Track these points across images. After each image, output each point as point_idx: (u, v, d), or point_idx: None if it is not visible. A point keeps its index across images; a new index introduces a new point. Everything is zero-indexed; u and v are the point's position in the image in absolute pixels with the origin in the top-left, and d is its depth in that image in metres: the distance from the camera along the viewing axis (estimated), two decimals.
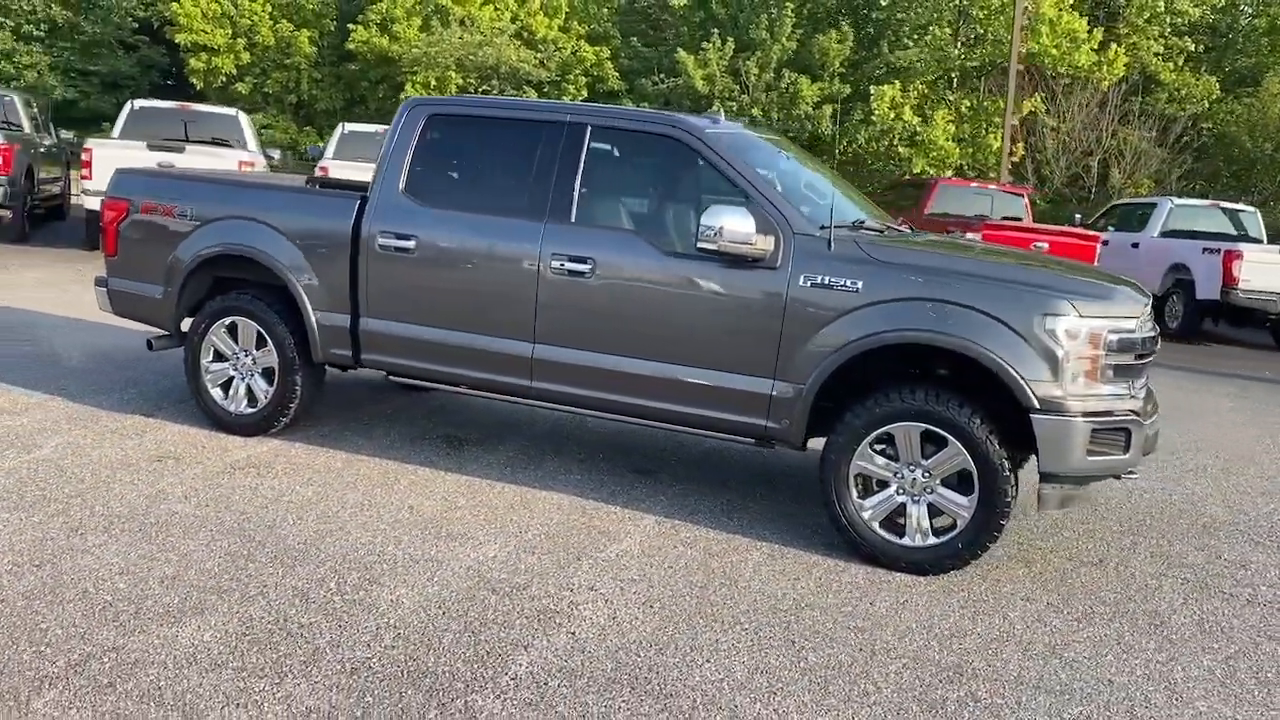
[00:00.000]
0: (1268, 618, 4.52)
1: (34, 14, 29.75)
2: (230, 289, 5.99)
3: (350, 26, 27.89)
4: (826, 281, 4.70)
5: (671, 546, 4.77)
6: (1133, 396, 4.65)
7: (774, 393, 4.82)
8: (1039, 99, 25.95)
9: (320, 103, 29.47)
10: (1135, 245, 15.62)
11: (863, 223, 5.21)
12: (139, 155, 12.18)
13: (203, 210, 5.92)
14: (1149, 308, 4.93)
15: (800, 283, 4.74)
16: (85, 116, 28.99)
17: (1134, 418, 4.56)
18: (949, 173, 25.00)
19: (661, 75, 26.56)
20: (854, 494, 4.73)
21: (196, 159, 12.44)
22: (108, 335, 8.09)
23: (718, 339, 4.92)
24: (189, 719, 3.10)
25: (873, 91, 25.27)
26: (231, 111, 14.84)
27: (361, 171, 8.43)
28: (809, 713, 3.41)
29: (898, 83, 25.54)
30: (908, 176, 22.77)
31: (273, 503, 4.92)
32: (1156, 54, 27.26)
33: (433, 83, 25.80)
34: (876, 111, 25.22)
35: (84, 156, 12.65)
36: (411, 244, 5.41)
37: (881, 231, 5.32)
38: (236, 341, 5.90)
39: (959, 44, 26.89)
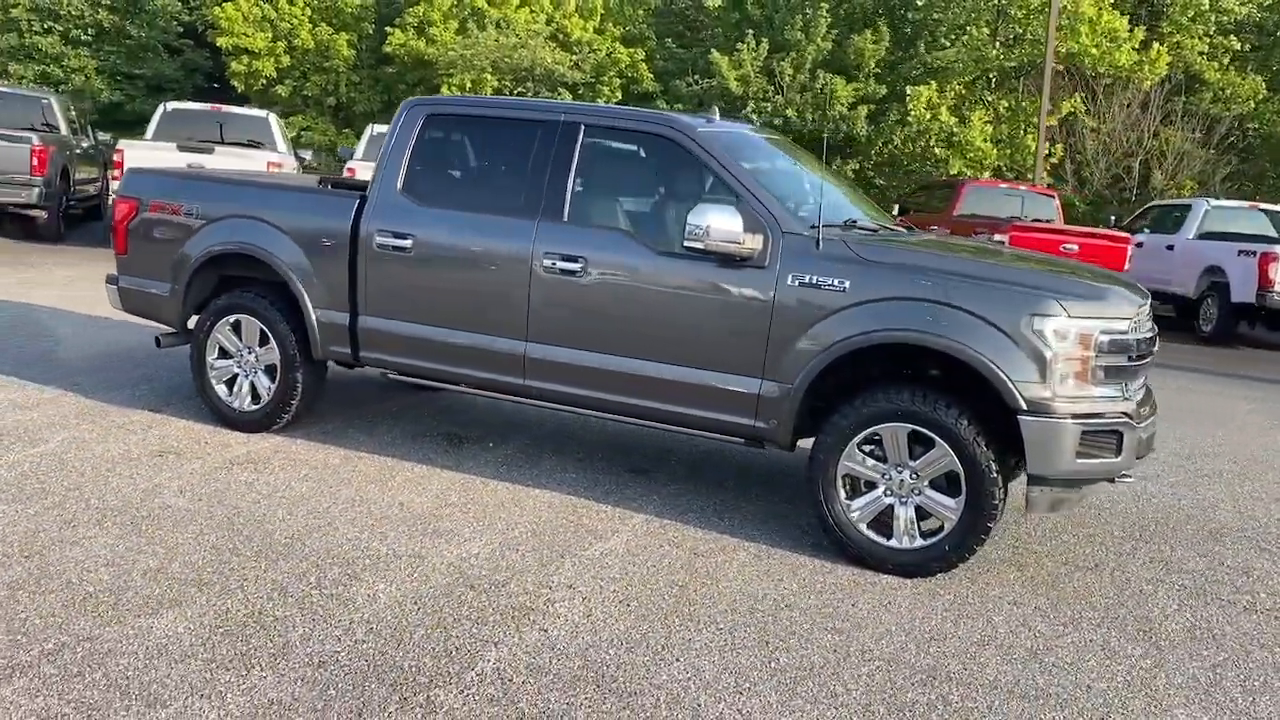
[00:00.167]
0: (1263, 625, 4.42)
1: (82, 19, 30.33)
2: (236, 287, 6.07)
3: (388, 30, 28.13)
4: (814, 281, 4.67)
5: (657, 546, 4.76)
6: (1126, 398, 4.56)
7: (762, 392, 4.79)
8: (1078, 99, 25.57)
9: (358, 105, 29.75)
10: (1170, 247, 15.37)
11: (855, 222, 5.18)
12: (169, 156, 12.41)
13: (208, 209, 6.01)
14: (1145, 308, 4.83)
15: (788, 282, 4.72)
16: (131, 119, 29.46)
17: (1126, 420, 4.47)
18: (987, 174, 24.72)
19: (696, 76, 26.50)
20: (842, 495, 4.69)
21: (226, 160, 12.65)
22: (129, 333, 8.23)
23: (706, 338, 4.90)
24: (151, 708, 3.15)
25: (909, 92, 25.04)
26: (262, 113, 15.06)
27: None
28: (773, 713, 3.39)
29: (934, 83, 25.28)
30: (944, 178, 22.54)
31: (266, 498, 4.98)
32: (1201, 53, 26.73)
33: (468, 85, 25.95)
34: (913, 112, 24.99)
35: (115, 158, 12.88)
36: (408, 243, 5.45)
37: (875, 231, 5.28)
38: (240, 339, 5.98)
39: (997, 44, 26.57)
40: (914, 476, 4.57)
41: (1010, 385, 4.33)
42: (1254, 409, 9.49)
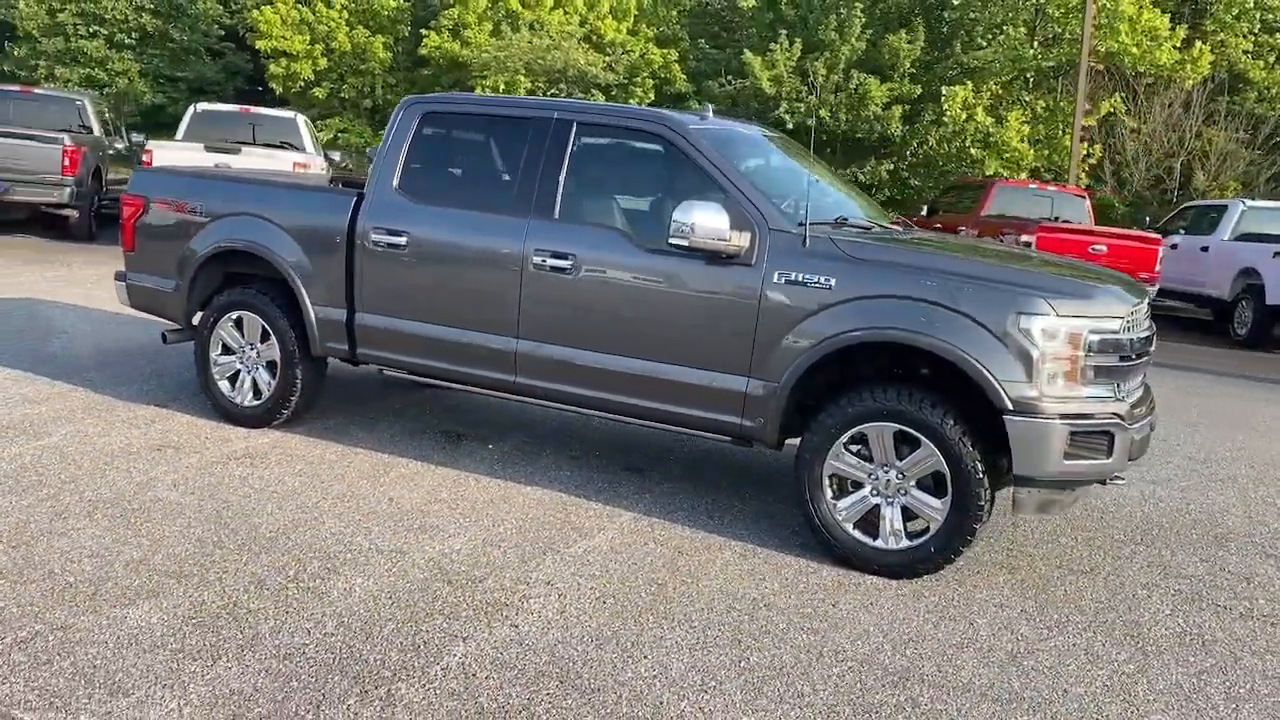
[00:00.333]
0: (1257, 632, 4.32)
1: (126, 23, 30.87)
2: (239, 284, 6.14)
3: (423, 32, 28.33)
4: (800, 279, 4.63)
5: (642, 544, 4.74)
6: (1119, 399, 4.47)
7: (748, 391, 4.76)
8: (1118, 99, 25.18)
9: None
10: (1204, 249, 15.09)
11: (845, 219, 5.13)
12: (197, 156, 12.59)
13: (212, 206, 6.08)
14: (1141, 307, 4.73)
15: (775, 279, 4.68)
16: (172, 121, 29.77)
17: (1117, 421, 4.39)
18: (1024, 174, 24.40)
19: (729, 77, 26.43)
20: (828, 494, 4.65)
21: (253, 160, 12.80)
22: (144, 329, 8.29)
23: (693, 336, 4.88)
24: (114, 696, 3.18)
25: (944, 92, 24.78)
26: (290, 114, 15.22)
27: None
28: (736, 711, 3.36)
29: (970, 83, 25.00)
30: (974, 178, 22.28)
31: (258, 492, 5.03)
32: (1245, 51, 26.23)
33: (501, 86, 26.07)
34: (948, 112, 24.73)
35: (144, 158, 13.09)
36: (402, 240, 5.48)
37: (867, 229, 5.23)
38: (243, 335, 6.05)
39: (1035, 43, 26.23)
40: (900, 476, 4.52)
41: (996, 384, 4.26)
42: (1278, 414, 9.27)
